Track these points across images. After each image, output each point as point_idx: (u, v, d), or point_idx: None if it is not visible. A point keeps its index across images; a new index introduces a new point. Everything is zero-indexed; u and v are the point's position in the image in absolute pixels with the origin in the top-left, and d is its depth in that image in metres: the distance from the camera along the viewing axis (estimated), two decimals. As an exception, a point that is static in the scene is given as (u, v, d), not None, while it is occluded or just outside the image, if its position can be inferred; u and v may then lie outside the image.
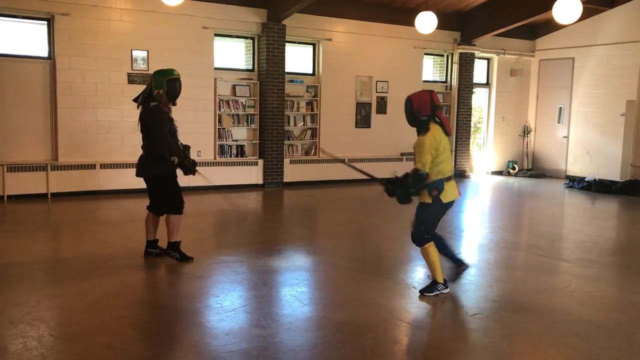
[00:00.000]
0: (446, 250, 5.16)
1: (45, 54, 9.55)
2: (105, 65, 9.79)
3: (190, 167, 5.77)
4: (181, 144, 5.84)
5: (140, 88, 10.26)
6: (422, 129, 4.85)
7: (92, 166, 9.73)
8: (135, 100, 5.83)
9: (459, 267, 5.18)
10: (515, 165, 14.59)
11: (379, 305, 4.78)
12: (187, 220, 8.24)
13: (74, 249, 6.24)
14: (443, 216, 5.07)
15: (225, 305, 4.64)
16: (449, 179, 4.90)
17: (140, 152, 5.85)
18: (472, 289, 5.34)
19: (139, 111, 5.74)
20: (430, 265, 5.04)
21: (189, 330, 4.16)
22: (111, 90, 9.88)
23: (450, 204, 4.96)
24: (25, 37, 9.55)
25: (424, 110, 4.82)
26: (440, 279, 5.02)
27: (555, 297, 5.10)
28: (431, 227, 5.00)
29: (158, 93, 5.62)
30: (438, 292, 4.99)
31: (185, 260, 5.84)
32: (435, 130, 4.82)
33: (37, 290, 4.98)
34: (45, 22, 9.48)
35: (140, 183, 10.01)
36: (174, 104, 5.83)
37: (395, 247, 6.94)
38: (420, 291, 5.05)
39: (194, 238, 7.17)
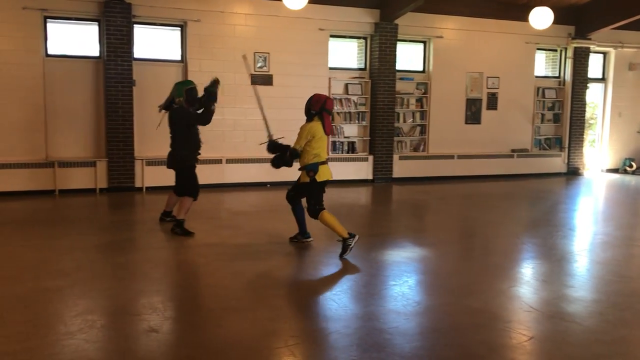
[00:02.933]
0: (300, 218, 6.35)
1: (179, 58, 10.43)
2: (231, 67, 10.49)
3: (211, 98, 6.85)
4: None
5: (262, 89, 11.00)
6: (308, 120, 6.08)
7: (218, 161, 10.52)
8: (160, 106, 6.97)
9: (302, 236, 6.41)
10: (633, 163, 14.00)
11: (509, 294, 4.98)
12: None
13: (217, 236, 6.88)
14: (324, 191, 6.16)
15: (366, 289, 5.01)
16: (323, 163, 6.08)
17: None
18: (602, 283, 5.39)
19: (161, 115, 6.95)
20: (331, 228, 5.99)
21: (338, 310, 4.55)
22: (236, 90, 10.59)
23: (325, 182, 6.11)
24: (161, 43, 10.48)
25: (315, 107, 6.05)
26: (345, 234, 5.93)
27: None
28: (318, 200, 6.06)
29: (179, 100, 6.74)
30: (351, 246, 5.92)
31: (186, 235, 6.72)
32: (315, 123, 6.02)
33: (196, 270, 5.61)
34: (179, 28, 10.35)
35: (261, 177, 10.73)
36: (196, 109, 6.90)
37: (516, 242, 7.04)
38: (339, 256, 5.90)
39: (318, 227, 7.64)
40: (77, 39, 10.03)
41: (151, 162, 10.10)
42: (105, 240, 6.74)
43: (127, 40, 9.73)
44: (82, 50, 9.96)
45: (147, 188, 10.10)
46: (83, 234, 6.89)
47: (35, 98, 9.52)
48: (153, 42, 10.45)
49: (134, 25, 9.95)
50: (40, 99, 9.56)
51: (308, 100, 6.14)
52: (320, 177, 6.05)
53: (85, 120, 9.96)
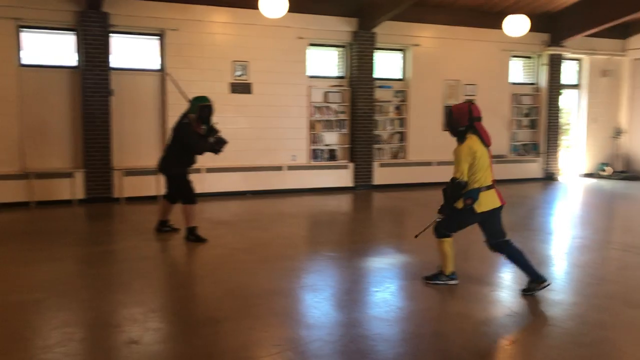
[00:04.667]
0: (525, 264, 5.13)
1: (158, 67, 10.37)
2: (210, 76, 10.47)
3: (217, 147, 6.91)
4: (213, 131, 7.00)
5: (241, 97, 10.99)
6: (460, 139, 5.01)
7: (197, 170, 10.42)
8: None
9: (540, 282, 5.04)
10: (606, 168, 14.24)
11: (490, 299, 5.02)
12: (289, 220, 8.74)
13: (198, 246, 6.81)
14: (477, 223, 5.20)
15: (348, 296, 5.01)
16: (488, 187, 5.03)
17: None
18: (581, 286, 5.46)
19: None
20: (441, 257, 5.31)
21: (320, 317, 4.54)
22: (215, 99, 10.47)
23: (489, 213, 5.07)
24: (139, 52, 10.41)
25: (462, 121, 4.98)
26: (447, 272, 5.29)
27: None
28: (453, 228, 5.23)
29: (191, 117, 6.81)
30: (441, 283, 5.29)
31: (200, 242, 6.80)
32: (471, 140, 4.94)
33: (176, 280, 5.55)
34: (157, 37, 10.29)
35: (242, 186, 10.69)
36: (208, 126, 6.98)
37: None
38: (425, 277, 5.40)
39: (301, 236, 7.65)
40: (54, 48, 9.91)
41: (130, 173, 10.00)
42: (84, 252, 6.64)
43: (105, 50, 9.64)
44: (58, 60, 9.84)
45: (126, 198, 9.98)
46: (61, 246, 6.78)
47: (9, 108, 9.36)
48: (132, 52, 10.37)
49: (112, 34, 9.86)
50: (14, 109, 9.41)
51: (448, 118, 5.11)
52: (481, 206, 4.97)
53: (62, 130, 9.83)
